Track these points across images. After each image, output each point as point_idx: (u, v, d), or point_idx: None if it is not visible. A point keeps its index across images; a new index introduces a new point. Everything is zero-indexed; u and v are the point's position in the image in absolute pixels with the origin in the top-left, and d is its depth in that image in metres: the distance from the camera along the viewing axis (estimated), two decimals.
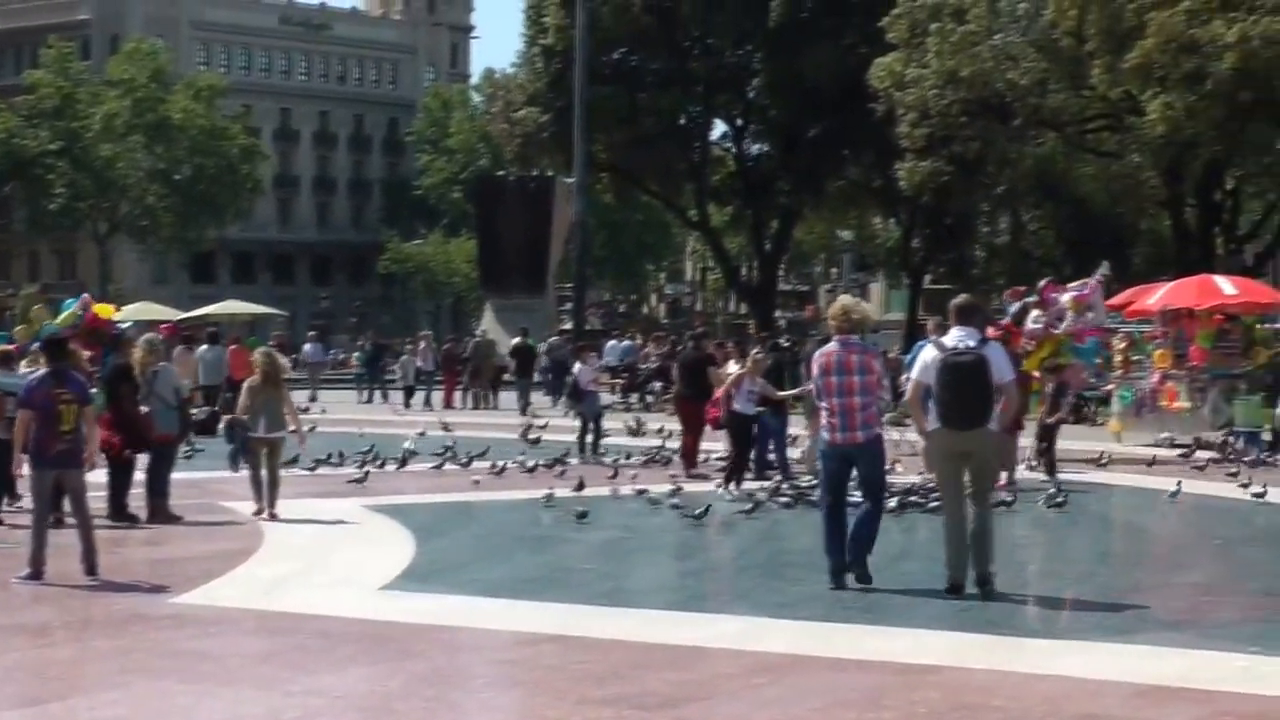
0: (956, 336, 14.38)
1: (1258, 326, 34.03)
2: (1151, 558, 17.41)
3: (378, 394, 48.59)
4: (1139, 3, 42.81)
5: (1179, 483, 22.05)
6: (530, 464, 25.35)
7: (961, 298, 15.48)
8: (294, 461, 23.22)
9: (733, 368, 24.77)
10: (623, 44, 61.13)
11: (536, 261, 59.92)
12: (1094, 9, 43.89)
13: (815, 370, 14.99)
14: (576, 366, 30.54)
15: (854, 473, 14.79)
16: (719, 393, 23.93)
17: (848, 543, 14.48)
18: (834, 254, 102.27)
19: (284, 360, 22.99)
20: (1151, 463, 26.52)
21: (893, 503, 18.75)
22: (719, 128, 67.20)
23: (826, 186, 62.80)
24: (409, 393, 46.31)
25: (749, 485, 22.54)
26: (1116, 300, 33.06)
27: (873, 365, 14.73)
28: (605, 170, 64.12)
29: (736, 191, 65.72)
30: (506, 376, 46.55)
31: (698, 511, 19.25)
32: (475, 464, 25.40)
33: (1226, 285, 33.32)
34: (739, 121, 64.78)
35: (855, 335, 14.95)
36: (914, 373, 14.96)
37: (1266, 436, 29.74)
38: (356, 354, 54.97)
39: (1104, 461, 26.40)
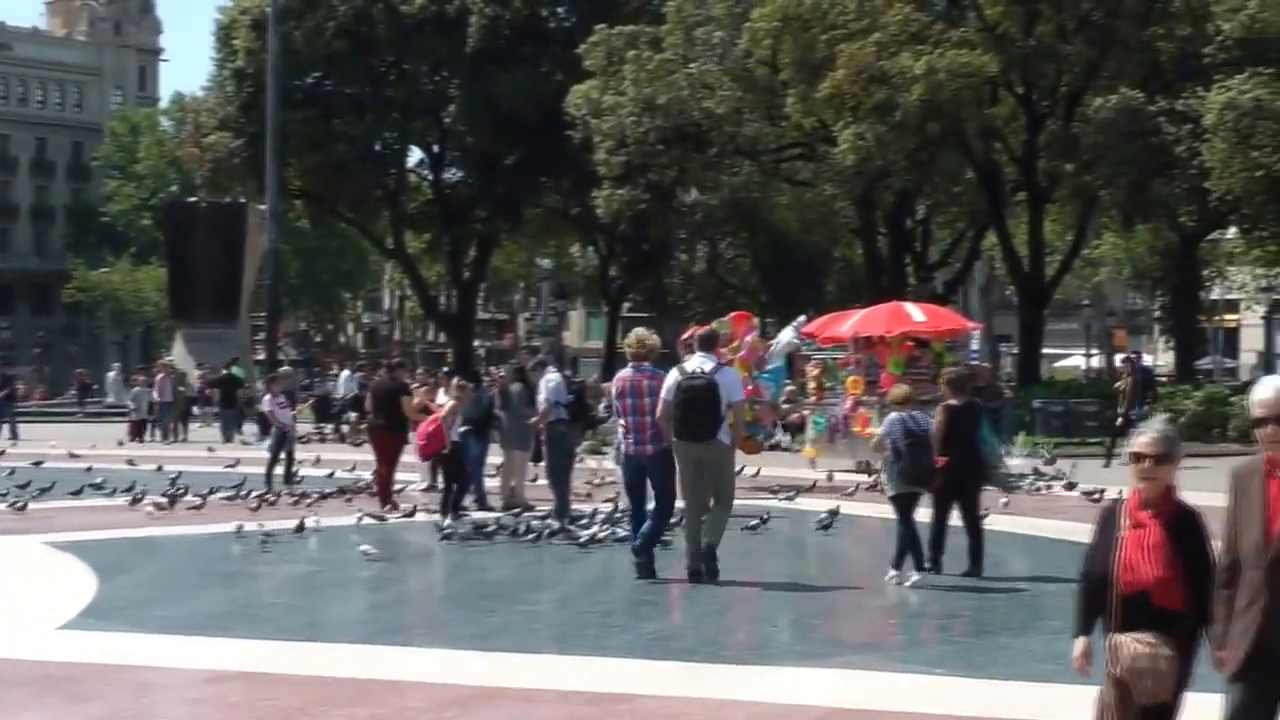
0: (696, 361, 16.70)
1: (947, 353, 34.67)
2: (842, 581, 17.45)
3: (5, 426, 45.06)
4: (831, 34, 43.50)
5: (836, 508, 22.13)
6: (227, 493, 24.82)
7: (704, 328, 18.61)
8: None
9: (443, 398, 24.42)
10: (317, 68, 60.33)
11: (229, 290, 58.83)
12: (787, 40, 44.50)
13: (613, 392, 17.70)
14: (266, 398, 29.79)
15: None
16: (431, 424, 23.40)
17: (646, 533, 16.65)
18: (533, 282, 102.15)
19: None
20: (853, 492, 26.72)
21: (584, 535, 19.63)
22: (415, 154, 66.84)
23: (525, 214, 62.69)
24: (139, 427, 44.78)
25: (477, 515, 22.29)
26: (810, 327, 33.42)
27: (660, 389, 16.59)
28: (299, 197, 63.24)
29: (433, 218, 65.25)
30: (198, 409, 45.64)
31: (366, 549, 18.78)
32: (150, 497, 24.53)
33: (916, 312, 33.84)
34: (436, 148, 64.34)
35: (647, 362, 17.17)
36: (663, 393, 16.54)
37: None
38: None
39: (851, 491, 26.47)
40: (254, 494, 24.97)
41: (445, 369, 32.65)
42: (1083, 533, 20.69)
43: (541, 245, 75.30)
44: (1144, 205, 44.12)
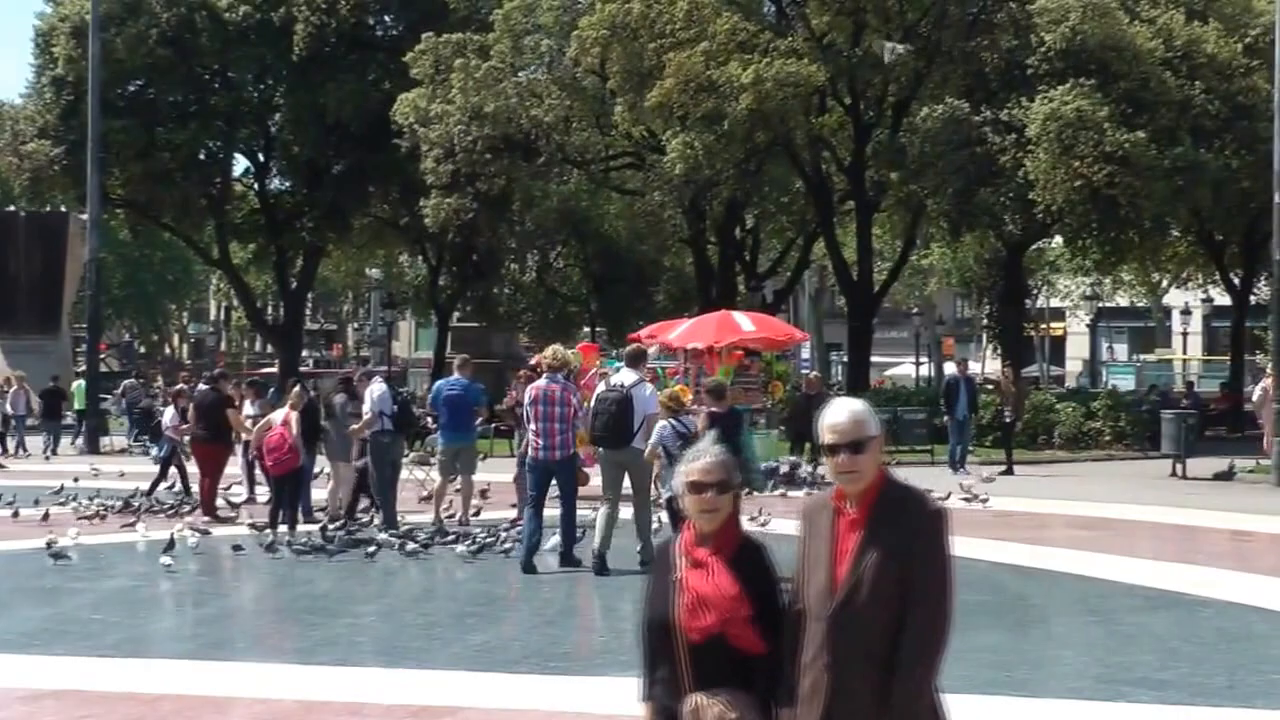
0: (619, 377, 18.87)
1: (777, 362, 34.81)
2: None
3: None
4: (659, 43, 43.52)
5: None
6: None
7: (631, 347, 20.96)
8: None
9: (249, 409, 24.03)
10: (139, 75, 59.24)
11: (50, 300, 57.77)
12: (616, 48, 44.44)
13: (526, 400, 19.05)
14: (169, 411, 29.12)
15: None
16: (276, 438, 22.96)
17: (561, 534, 18.57)
18: (362, 292, 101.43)
19: None
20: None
21: (410, 545, 19.80)
22: (241, 163, 65.94)
23: (352, 223, 62.05)
24: None
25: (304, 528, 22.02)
26: (640, 335, 33.38)
27: (570, 399, 18.62)
28: (122, 206, 62.11)
29: (259, 228, 64.39)
30: (32, 421, 44.75)
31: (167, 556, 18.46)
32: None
33: (745, 321, 33.97)
34: (261, 156, 63.53)
35: (560, 374, 18.98)
36: (592, 404, 18.81)
37: (784, 470, 30.47)
38: None
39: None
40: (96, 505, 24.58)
41: (250, 381, 32.11)
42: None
43: (370, 255, 74.62)
44: (970, 214, 44.54)
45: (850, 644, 5.65)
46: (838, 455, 5.77)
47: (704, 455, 6.06)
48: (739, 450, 18.08)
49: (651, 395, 18.68)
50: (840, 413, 5.84)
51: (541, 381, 18.87)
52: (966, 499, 26.16)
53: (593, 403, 18.72)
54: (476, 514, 23.42)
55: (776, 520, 21.81)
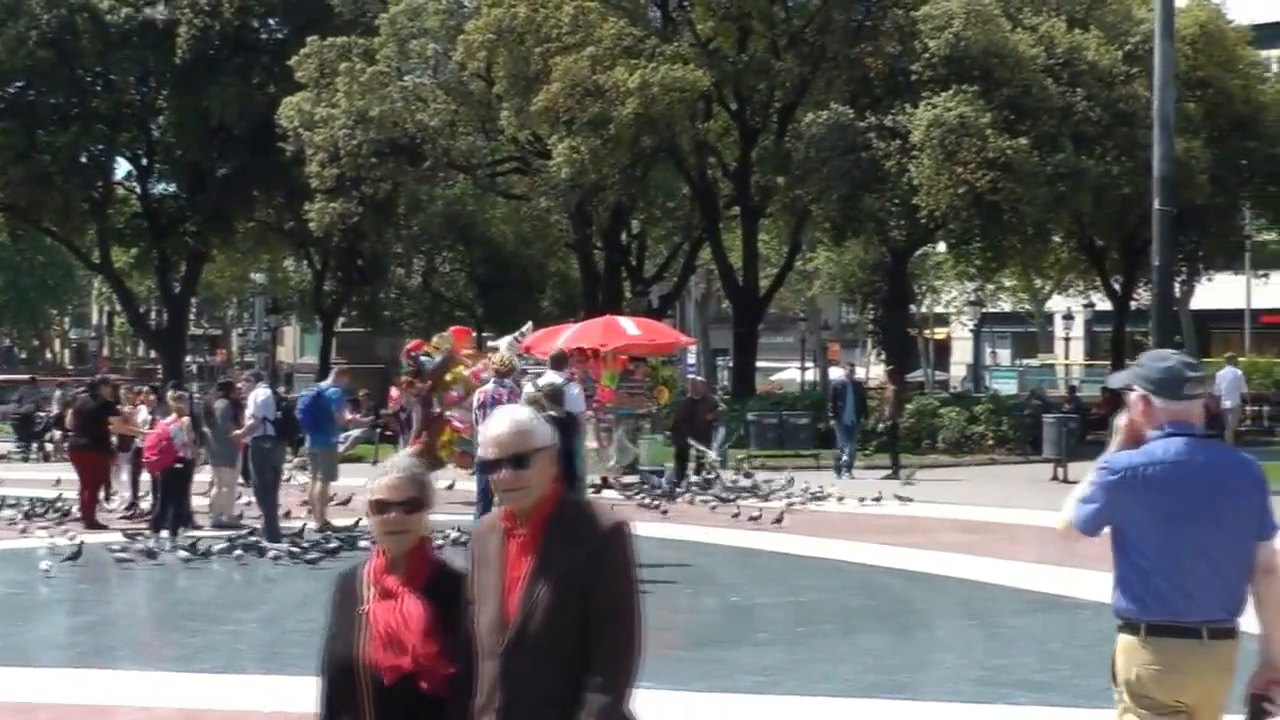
0: (546, 378, 19.81)
1: (663, 366, 34.86)
2: None
3: None
4: (545, 47, 43.46)
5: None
6: None
7: (555, 349, 22.21)
8: None
9: (144, 414, 23.80)
10: (19, 78, 58.49)
11: None
12: (502, 53, 44.37)
13: (475, 403, 20.14)
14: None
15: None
16: (159, 436, 22.71)
17: None
18: (246, 296, 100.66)
19: None
20: None
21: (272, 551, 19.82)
22: (123, 166, 65.24)
23: (237, 227, 61.57)
24: None
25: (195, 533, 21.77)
26: (525, 341, 33.30)
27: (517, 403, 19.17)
28: (2, 209, 61.32)
29: (142, 232, 63.69)
30: None
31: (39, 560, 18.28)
32: None
33: (630, 326, 34.06)
34: (144, 160, 62.90)
35: (508, 379, 20.30)
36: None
37: (667, 474, 30.61)
38: None
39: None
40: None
41: (142, 387, 31.74)
42: (786, 543, 20.90)
43: (254, 259, 73.94)
44: (855, 220, 44.81)
45: (524, 684, 5.07)
46: (500, 470, 5.18)
47: (392, 469, 5.39)
48: (571, 457, 18.33)
49: (578, 395, 20.34)
50: (502, 423, 5.27)
51: (490, 386, 20.30)
52: (898, 498, 27.15)
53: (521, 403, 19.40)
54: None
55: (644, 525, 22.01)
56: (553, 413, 18.86)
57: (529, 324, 32.89)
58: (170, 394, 24.72)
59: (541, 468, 5.20)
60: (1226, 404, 39.65)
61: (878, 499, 27.06)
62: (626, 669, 5.08)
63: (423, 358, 27.19)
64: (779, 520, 23.82)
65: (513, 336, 30.23)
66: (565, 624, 5.05)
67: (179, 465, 22.48)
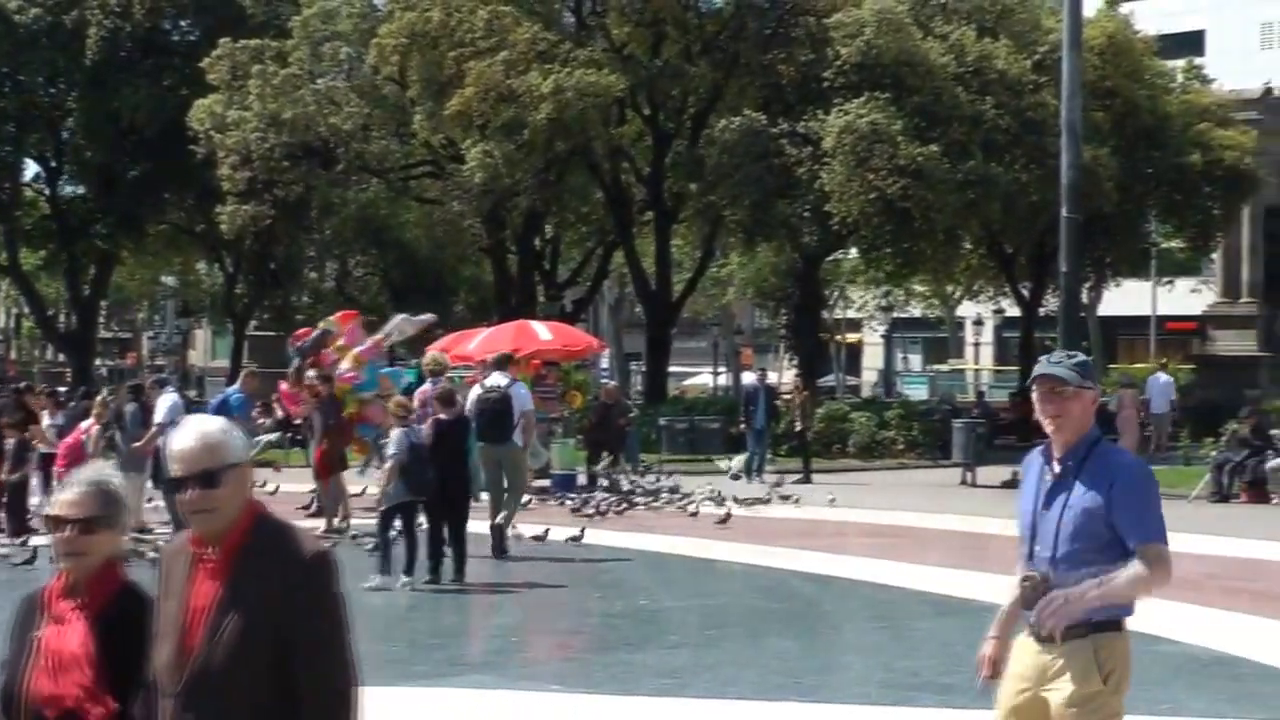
0: (494, 379, 20.47)
1: (575, 371, 34.88)
2: (467, 604, 17.37)
3: None
4: (459, 52, 43.42)
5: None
6: None
7: (496, 354, 22.58)
8: None
9: (48, 420, 23.57)
10: None
11: None
12: (415, 56, 44.30)
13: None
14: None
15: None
16: (73, 440, 22.47)
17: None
18: (157, 299, 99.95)
19: None
20: None
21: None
22: (31, 168, 64.66)
23: (147, 230, 61.16)
24: None
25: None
26: (438, 345, 33.21)
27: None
28: None
29: (51, 234, 63.22)
30: None
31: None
32: None
33: (543, 331, 34.08)
34: (53, 161, 62.40)
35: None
36: (467, 405, 19.81)
37: (581, 479, 30.63)
38: None
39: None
40: None
41: (50, 392, 31.36)
42: (698, 548, 20.96)
43: (165, 262, 73.52)
44: (767, 225, 44.99)
45: None
46: (186, 490, 4.59)
47: (73, 485, 4.87)
48: (465, 460, 18.42)
49: (526, 395, 20.87)
50: (188, 436, 4.68)
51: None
52: (783, 498, 27.56)
53: (471, 404, 19.92)
54: None
55: (558, 529, 21.99)
56: (443, 415, 18.78)
57: (431, 315, 32.45)
58: (100, 398, 24.39)
59: (233, 486, 4.63)
60: (1156, 410, 40.12)
61: (767, 501, 27.36)
62: (340, 715, 4.59)
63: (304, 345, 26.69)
64: (724, 520, 24.20)
65: (401, 316, 29.66)
66: (254, 664, 4.49)
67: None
